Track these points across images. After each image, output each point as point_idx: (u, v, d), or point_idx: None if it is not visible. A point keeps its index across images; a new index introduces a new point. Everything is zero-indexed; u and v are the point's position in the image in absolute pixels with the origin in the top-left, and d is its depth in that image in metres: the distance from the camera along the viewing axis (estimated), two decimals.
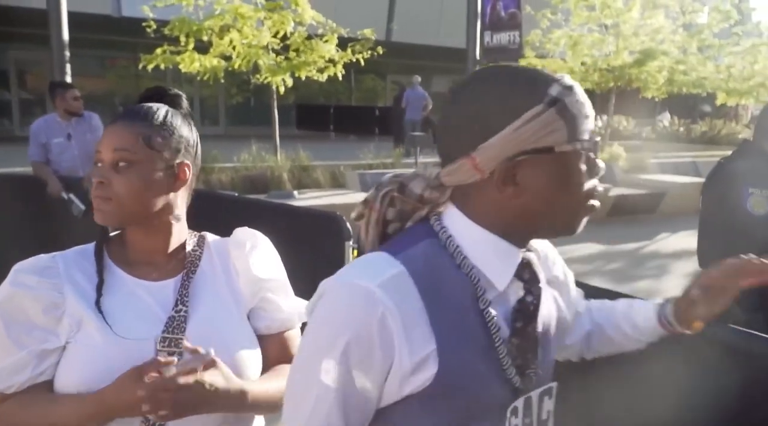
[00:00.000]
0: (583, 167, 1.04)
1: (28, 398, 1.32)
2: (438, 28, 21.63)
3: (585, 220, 1.09)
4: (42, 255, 1.40)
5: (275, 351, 1.50)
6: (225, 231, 1.57)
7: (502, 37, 14.98)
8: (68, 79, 8.68)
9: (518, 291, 1.10)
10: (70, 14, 9.24)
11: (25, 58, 19.80)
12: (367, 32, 11.62)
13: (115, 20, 17.36)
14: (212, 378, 1.28)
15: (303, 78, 11.54)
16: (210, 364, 1.29)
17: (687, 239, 4.12)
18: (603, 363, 1.66)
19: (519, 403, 1.08)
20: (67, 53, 9.24)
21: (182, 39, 10.82)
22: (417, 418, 1.01)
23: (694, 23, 17.49)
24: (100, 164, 1.36)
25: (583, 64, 16.09)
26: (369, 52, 11.54)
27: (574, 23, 15.81)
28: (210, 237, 1.55)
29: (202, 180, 10.02)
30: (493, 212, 1.05)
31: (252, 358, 1.44)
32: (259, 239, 1.54)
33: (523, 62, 16.05)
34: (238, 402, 1.33)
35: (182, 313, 1.38)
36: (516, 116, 1.00)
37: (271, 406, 1.40)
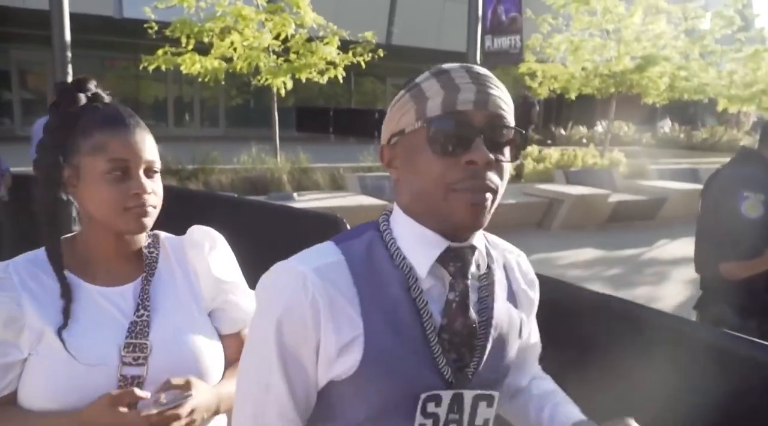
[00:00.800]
0: (434, 146, 1.03)
1: None
2: (438, 31, 21.64)
3: (476, 210, 1.03)
4: None
5: (235, 348, 1.49)
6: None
7: (503, 41, 14.98)
8: (69, 79, 8.67)
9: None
10: (72, 15, 9.23)
11: (27, 59, 19.82)
12: (368, 35, 11.63)
13: (116, 21, 17.38)
14: (192, 404, 1.30)
15: (303, 80, 11.55)
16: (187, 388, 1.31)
17: (686, 245, 4.14)
18: (598, 364, 1.67)
19: (445, 395, 1.08)
20: (69, 54, 9.25)
21: (183, 40, 10.84)
22: (349, 400, 1.07)
23: (696, 29, 17.48)
24: (135, 172, 1.35)
25: (584, 69, 16.11)
26: (369, 54, 11.55)
27: (575, 28, 15.83)
28: (163, 235, 1.55)
29: (203, 181, 10.03)
30: (397, 197, 1.14)
31: (215, 358, 1.45)
32: (216, 239, 1.54)
33: (523, 67, 16.08)
34: (213, 412, 1.38)
35: (144, 318, 1.38)
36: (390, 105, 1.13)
37: None
